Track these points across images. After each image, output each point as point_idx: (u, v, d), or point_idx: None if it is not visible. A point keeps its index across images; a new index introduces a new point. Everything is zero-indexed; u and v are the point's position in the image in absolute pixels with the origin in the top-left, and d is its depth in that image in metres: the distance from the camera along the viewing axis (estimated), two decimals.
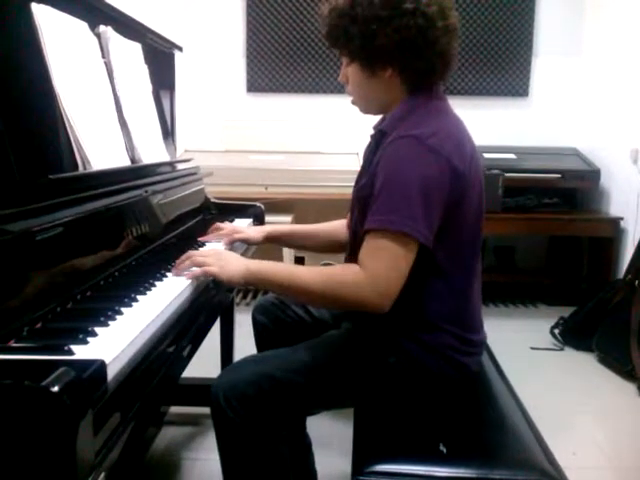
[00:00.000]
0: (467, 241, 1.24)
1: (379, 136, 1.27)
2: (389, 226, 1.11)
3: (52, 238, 0.97)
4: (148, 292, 1.10)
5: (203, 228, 1.77)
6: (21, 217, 0.92)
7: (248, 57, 3.72)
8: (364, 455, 1.12)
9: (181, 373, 1.54)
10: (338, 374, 1.24)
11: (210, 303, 1.34)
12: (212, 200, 2.06)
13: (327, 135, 3.57)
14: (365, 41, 1.19)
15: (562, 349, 2.95)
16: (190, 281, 1.20)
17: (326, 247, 1.66)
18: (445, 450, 1.10)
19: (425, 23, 1.16)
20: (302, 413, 1.34)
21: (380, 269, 1.11)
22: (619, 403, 2.40)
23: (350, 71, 1.28)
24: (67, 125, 1.20)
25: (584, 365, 2.77)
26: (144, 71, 1.77)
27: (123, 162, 1.45)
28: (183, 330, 1.14)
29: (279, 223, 2.70)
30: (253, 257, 1.48)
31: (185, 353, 1.26)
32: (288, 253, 3.25)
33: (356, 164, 3.09)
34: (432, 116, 1.21)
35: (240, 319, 2.22)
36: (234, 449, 1.19)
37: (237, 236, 1.63)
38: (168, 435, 2.05)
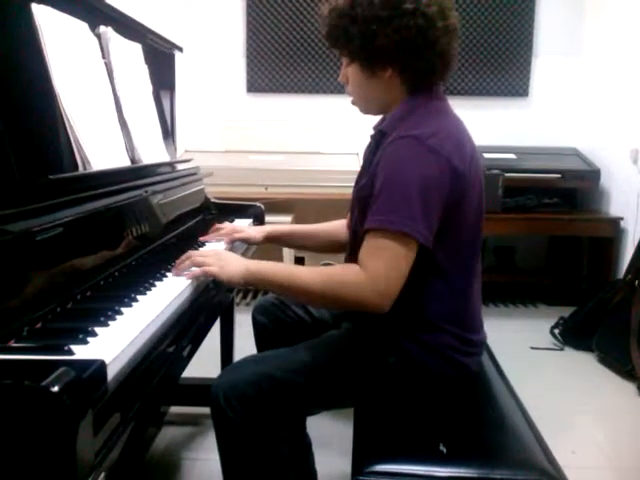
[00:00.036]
0: (467, 241, 1.24)
1: (379, 136, 1.27)
2: (389, 226, 1.11)
3: (52, 238, 0.97)
4: (148, 292, 1.10)
5: (203, 228, 1.77)
6: (21, 217, 0.92)
7: (248, 57, 3.72)
8: (364, 455, 1.12)
9: (181, 373, 1.54)
10: (338, 374, 1.24)
11: (210, 303, 1.34)
12: (212, 200, 2.06)
13: (327, 135, 3.57)
14: (365, 41, 1.19)
15: (562, 349, 2.95)
16: (190, 281, 1.20)
17: (326, 247, 1.66)
18: (445, 450, 1.10)
19: (425, 23, 1.16)
20: (302, 413, 1.34)
21: (380, 269, 1.11)
22: (619, 403, 2.40)
23: (350, 71, 1.28)
24: (67, 125, 1.20)
25: (584, 365, 2.77)
26: (144, 71, 1.77)
27: (123, 162, 1.46)
28: (183, 330, 1.14)
29: (279, 223, 2.70)
30: (253, 257, 1.49)
31: (185, 353, 1.26)
32: (288, 253, 3.25)
33: (356, 164, 3.09)
34: (432, 116, 1.21)
35: (240, 319, 2.22)
36: (234, 449, 1.19)
37: (237, 235, 1.63)
38: (168, 435, 2.05)
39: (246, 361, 1.26)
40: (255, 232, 1.65)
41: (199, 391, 2.04)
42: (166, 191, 1.59)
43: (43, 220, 0.96)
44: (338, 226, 1.61)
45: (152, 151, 1.68)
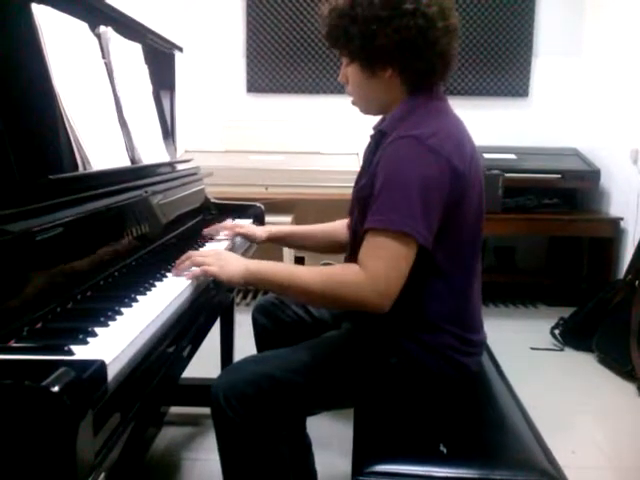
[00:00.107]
0: (467, 241, 1.24)
1: (379, 136, 1.27)
2: (389, 226, 1.11)
3: (52, 238, 0.97)
4: (148, 292, 1.10)
5: (203, 228, 1.77)
6: (21, 217, 0.92)
7: (248, 57, 3.72)
8: (364, 455, 1.12)
9: (181, 373, 1.54)
10: (338, 374, 1.24)
11: (210, 303, 1.34)
12: (212, 200, 2.06)
13: (327, 135, 3.57)
14: (365, 41, 1.19)
15: (562, 349, 2.95)
16: (190, 281, 1.20)
17: (327, 247, 1.66)
18: (445, 450, 1.10)
19: (425, 24, 1.16)
20: (302, 413, 1.34)
21: (380, 269, 1.11)
22: (619, 403, 2.40)
23: (350, 71, 1.28)
24: (67, 125, 1.20)
25: (584, 365, 2.77)
26: (144, 71, 1.77)
27: (123, 162, 1.46)
28: (183, 330, 1.14)
29: (279, 223, 2.70)
30: (253, 257, 1.49)
31: (185, 353, 1.26)
32: (288, 253, 3.25)
33: (356, 164, 3.09)
34: (432, 116, 1.21)
35: (240, 319, 2.22)
36: (234, 449, 1.19)
37: (240, 230, 1.65)
38: (168, 435, 2.05)
39: (246, 361, 1.26)
40: (258, 231, 1.66)
41: (199, 391, 2.04)
42: (166, 191, 1.59)
43: (43, 220, 0.96)
44: (338, 226, 1.61)
45: (152, 151, 1.68)
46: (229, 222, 1.71)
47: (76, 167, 1.22)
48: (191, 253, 1.26)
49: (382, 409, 1.25)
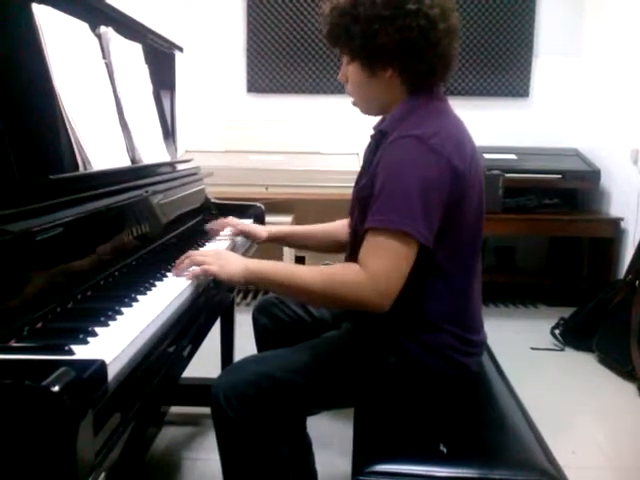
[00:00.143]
0: (467, 241, 1.24)
1: (379, 136, 1.27)
2: (389, 225, 1.11)
3: (52, 238, 0.97)
4: (148, 292, 1.10)
5: (203, 228, 1.77)
6: (21, 217, 0.92)
7: (248, 57, 3.72)
8: (364, 455, 1.12)
9: (181, 373, 1.54)
10: (338, 374, 1.24)
11: (210, 303, 1.34)
12: (212, 200, 2.06)
13: (327, 135, 3.57)
14: (366, 40, 1.19)
15: (562, 349, 2.95)
16: (190, 281, 1.20)
17: (327, 247, 1.66)
18: (445, 450, 1.10)
19: (427, 24, 1.16)
20: (302, 413, 1.34)
21: (380, 268, 1.11)
22: (619, 403, 2.40)
23: (350, 70, 1.28)
24: (67, 125, 1.20)
25: (584, 365, 2.77)
26: (145, 71, 1.77)
27: (123, 162, 1.46)
28: (183, 330, 1.14)
29: (279, 223, 2.70)
30: (254, 257, 1.49)
31: (185, 353, 1.26)
32: (288, 253, 3.25)
33: (356, 164, 3.09)
34: (432, 116, 1.21)
35: (240, 319, 2.22)
36: (234, 449, 1.19)
37: (242, 227, 1.66)
38: (168, 435, 2.05)
39: (246, 361, 1.26)
40: (260, 230, 1.67)
41: (199, 391, 2.04)
42: (166, 191, 1.59)
43: (43, 220, 0.96)
44: (339, 226, 1.61)
45: (152, 151, 1.68)
46: (231, 219, 1.72)
47: (76, 167, 1.23)
48: (191, 253, 1.26)
49: (382, 409, 1.25)
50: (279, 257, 3.14)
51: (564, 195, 3.54)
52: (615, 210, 3.44)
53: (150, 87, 1.79)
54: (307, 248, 1.72)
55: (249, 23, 3.68)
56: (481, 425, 1.20)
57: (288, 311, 1.55)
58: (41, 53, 1.16)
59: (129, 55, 1.64)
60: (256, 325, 1.59)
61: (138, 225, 1.34)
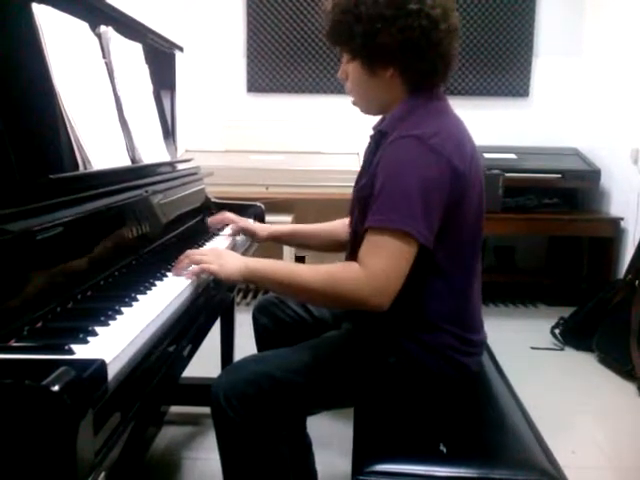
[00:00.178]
0: (467, 241, 1.24)
1: (379, 136, 1.27)
2: (389, 225, 1.11)
3: (52, 238, 0.97)
4: (148, 292, 1.10)
5: (204, 228, 1.77)
6: (21, 217, 0.92)
7: (248, 57, 3.72)
8: (364, 455, 1.12)
9: (181, 373, 1.54)
10: (338, 374, 1.24)
11: (210, 303, 1.34)
12: (212, 200, 2.06)
13: (327, 135, 3.57)
14: (368, 39, 1.19)
15: (562, 349, 2.95)
16: (190, 281, 1.20)
17: (328, 246, 1.66)
18: (445, 450, 1.10)
19: (429, 25, 1.16)
20: (302, 413, 1.34)
21: (380, 267, 1.11)
22: (619, 403, 2.40)
23: (350, 69, 1.27)
24: (68, 125, 1.20)
25: (584, 365, 2.77)
26: (145, 71, 1.77)
27: (123, 162, 1.46)
28: (183, 330, 1.14)
29: (279, 223, 2.70)
30: (254, 256, 1.49)
31: (185, 353, 1.26)
32: (288, 252, 3.25)
33: (356, 164, 3.09)
34: (432, 116, 1.21)
35: (240, 319, 2.22)
36: (234, 449, 1.19)
37: (243, 224, 1.66)
38: (168, 435, 2.05)
39: (246, 361, 1.26)
40: (260, 229, 1.67)
41: (199, 391, 2.04)
42: (166, 191, 1.59)
43: (43, 219, 0.96)
44: (339, 225, 1.61)
45: (152, 151, 1.68)
46: (233, 215, 1.73)
47: (76, 167, 1.22)
48: (190, 252, 1.26)
49: (382, 409, 1.25)
50: (279, 257, 3.14)
51: (564, 195, 3.54)
52: (615, 210, 3.44)
53: (150, 87, 1.79)
54: (307, 247, 1.72)
55: (249, 23, 3.68)
56: (481, 425, 1.20)
57: (288, 311, 1.55)
58: (41, 53, 1.16)
59: (129, 55, 1.64)
60: (256, 325, 1.59)
61: (138, 225, 1.34)
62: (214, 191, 2.16)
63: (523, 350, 2.92)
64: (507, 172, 3.29)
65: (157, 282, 1.16)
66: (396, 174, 1.13)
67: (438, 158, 1.13)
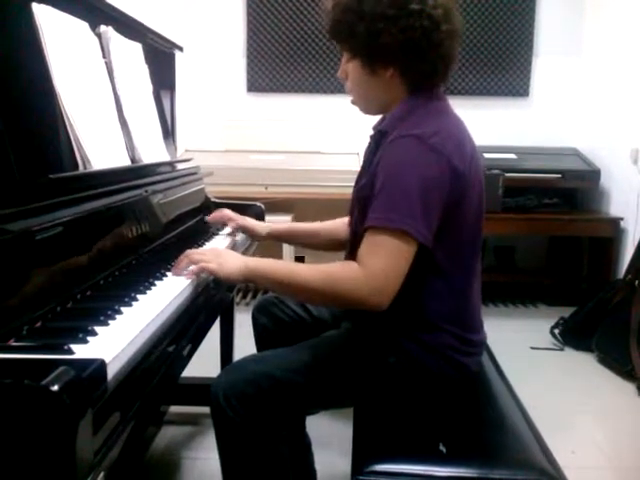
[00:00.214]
0: (467, 241, 1.24)
1: (379, 136, 1.27)
2: (389, 224, 1.11)
3: (52, 237, 0.97)
4: (148, 291, 1.10)
5: (203, 228, 1.77)
6: (21, 216, 0.92)
7: (248, 57, 3.72)
8: (364, 455, 1.12)
9: (181, 372, 1.54)
10: (338, 374, 1.24)
11: (210, 302, 1.34)
12: (212, 200, 2.06)
13: (327, 135, 3.57)
14: (369, 38, 1.18)
15: (562, 349, 2.95)
16: (190, 280, 1.20)
17: (327, 245, 1.66)
18: (445, 450, 1.10)
19: (430, 25, 1.16)
20: (302, 413, 1.34)
21: (379, 267, 1.11)
22: (619, 403, 2.40)
23: (350, 67, 1.27)
24: (67, 125, 1.20)
25: (584, 365, 2.77)
26: (144, 71, 1.77)
27: (123, 162, 1.46)
28: (183, 329, 1.14)
29: (279, 223, 2.70)
30: (254, 255, 1.49)
31: (185, 352, 1.26)
32: (288, 252, 3.25)
33: (356, 164, 3.09)
34: (432, 116, 1.21)
35: (240, 319, 2.22)
36: (234, 448, 1.19)
37: (242, 222, 1.67)
38: (168, 434, 2.05)
39: (246, 360, 1.26)
40: (259, 227, 1.67)
41: (199, 390, 2.04)
42: (166, 190, 1.59)
43: (43, 219, 0.96)
44: (339, 224, 1.61)
45: (152, 150, 1.68)
46: (229, 212, 1.73)
47: (76, 166, 1.22)
48: (189, 252, 1.26)
49: (382, 409, 1.25)
50: (279, 256, 3.14)
51: (564, 195, 3.54)
52: (615, 210, 3.44)
53: (150, 86, 1.79)
54: (307, 246, 1.73)
55: (249, 22, 3.68)
56: (481, 425, 1.20)
57: (288, 311, 1.55)
58: (41, 52, 1.16)
59: (129, 54, 1.64)
60: (256, 324, 1.59)
61: (138, 224, 1.34)
62: (214, 191, 2.16)
63: (523, 350, 2.92)
64: (507, 172, 3.29)
65: (157, 282, 1.16)
66: (396, 173, 1.13)
67: (438, 157, 1.13)
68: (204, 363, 1.88)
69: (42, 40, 1.16)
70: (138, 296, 1.05)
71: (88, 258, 1.09)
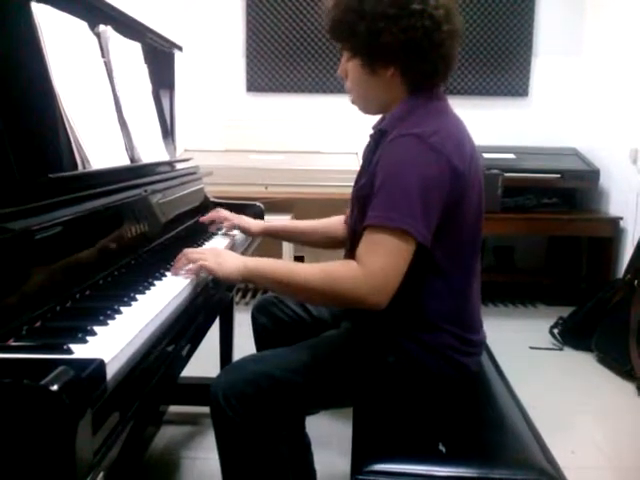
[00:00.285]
0: (467, 241, 1.24)
1: (378, 136, 1.27)
2: (389, 223, 1.10)
3: (51, 237, 0.97)
4: (147, 291, 1.10)
5: (203, 227, 1.77)
6: (21, 216, 0.92)
7: (248, 57, 3.72)
8: (363, 454, 1.12)
9: (180, 372, 1.54)
10: (337, 374, 1.24)
11: (209, 302, 1.34)
12: (212, 199, 2.06)
13: (327, 135, 3.57)
14: (370, 38, 1.18)
15: (561, 349, 2.95)
16: (189, 280, 1.20)
17: (322, 243, 1.66)
18: (444, 450, 1.10)
19: (432, 25, 1.16)
20: (301, 412, 1.34)
21: (378, 265, 1.11)
22: (618, 403, 2.40)
23: (350, 67, 1.27)
24: (67, 124, 1.20)
25: (583, 365, 2.77)
26: (144, 71, 1.77)
27: (122, 161, 1.46)
28: (182, 329, 1.14)
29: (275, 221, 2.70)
30: (253, 255, 1.49)
31: (184, 352, 1.26)
32: (287, 252, 3.25)
33: (356, 164, 3.09)
34: (432, 116, 1.21)
35: (239, 318, 2.22)
36: (233, 448, 1.19)
37: (237, 221, 1.68)
38: (167, 434, 2.05)
39: (245, 360, 1.26)
40: (253, 224, 1.67)
41: (198, 390, 2.04)
42: (165, 190, 1.59)
43: (42, 219, 0.96)
44: (335, 222, 1.61)
45: (151, 150, 1.68)
46: (226, 212, 1.73)
47: (75, 166, 1.22)
48: (187, 250, 1.26)
49: (381, 408, 1.25)
50: (278, 256, 3.14)
51: (563, 194, 3.54)
52: (614, 209, 3.44)
53: (149, 86, 1.79)
54: (302, 243, 1.73)
55: (248, 22, 3.68)
56: (480, 425, 1.20)
57: (287, 310, 1.55)
58: (40, 52, 1.16)
59: (128, 54, 1.64)
60: (255, 324, 1.59)
61: (137, 224, 1.34)
62: (213, 190, 2.16)
63: (522, 350, 2.92)
64: (506, 172, 3.29)
65: (156, 282, 1.16)
66: (396, 172, 1.13)
67: (438, 157, 1.13)
68: (203, 363, 1.88)
69: (41, 39, 1.16)
70: (137, 296, 1.05)
71: (87, 258, 1.09)
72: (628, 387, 2.51)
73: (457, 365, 1.25)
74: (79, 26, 1.37)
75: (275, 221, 1.75)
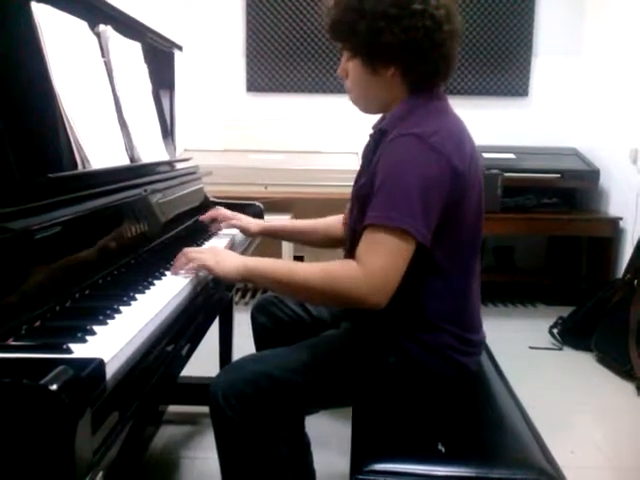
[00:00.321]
0: (466, 241, 1.24)
1: (378, 135, 1.27)
2: (389, 222, 1.10)
3: (51, 236, 0.97)
4: (147, 291, 1.10)
5: (202, 227, 1.77)
6: (21, 215, 0.92)
7: (248, 57, 3.72)
8: (363, 454, 1.12)
9: (180, 372, 1.54)
10: (337, 373, 1.24)
11: (209, 302, 1.34)
12: (211, 199, 2.06)
13: (327, 135, 3.57)
14: (371, 38, 1.18)
15: (561, 349, 2.95)
16: (189, 280, 1.20)
17: (321, 242, 1.66)
18: (444, 449, 1.10)
19: (433, 25, 1.16)
20: (301, 412, 1.34)
21: (378, 265, 1.11)
22: (618, 403, 2.40)
23: (351, 66, 1.27)
24: (67, 124, 1.20)
25: (583, 365, 2.77)
26: (144, 70, 1.77)
27: (122, 161, 1.46)
28: (182, 329, 1.14)
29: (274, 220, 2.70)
30: (253, 255, 1.49)
31: (184, 352, 1.26)
32: (287, 251, 3.25)
33: (355, 163, 3.09)
34: (432, 116, 1.21)
35: (239, 318, 2.22)
36: (233, 448, 1.19)
37: (235, 221, 1.68)
38: (167, 434, 2.05)
39: (245, 360, 1.26)
40: (252, 224, 1.67)
41: (198, 390, 2.04)
42: (165, 190, 1.59)
43: (42, 218, 0.96)
44: (334, 222, 1.61)
45: (151, 150, 1.68)
46: (225, 210, 1.73)
47: (75, 166, 1.22)
48: (187, 250, 1.26)
49: (381, 408, 1.25)
50: (278, 256, 3.14)
51: (563, 194, 3.54)
52: (614, 209, 3.44)
53: (149, 86, 1.79)
54: (302, 243, 1.73)
55: (248, 22, 3.68)
56: (480, 424, 1.20)
57: (287, 310, 1.55)
58: (40, 52, 1.16)
59: (128, 54, 1.64)
60: (255, 324, 1.59)
61: (137, 224, 1.34)
62: (213, 190, 2.16)
63: (522, 350, 2.92)
64: (506, 172, 3.29)
65: (156, 281, 1.16)
66: (396, 172, 1.13)
67: (438, 157, 1.12)
68: (203, 363, 1.88)
69: (41, 39, 1.16)
70: (137, 295, 1.05)
71: (87, 257, 1.09)
72: (628, 387, 2.51)
73: (457, 365, 1.25)
74: (79, 26, 1.37)
75: (274, 221, 1.75)
